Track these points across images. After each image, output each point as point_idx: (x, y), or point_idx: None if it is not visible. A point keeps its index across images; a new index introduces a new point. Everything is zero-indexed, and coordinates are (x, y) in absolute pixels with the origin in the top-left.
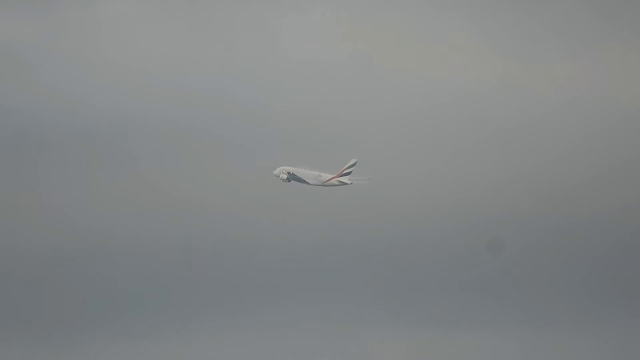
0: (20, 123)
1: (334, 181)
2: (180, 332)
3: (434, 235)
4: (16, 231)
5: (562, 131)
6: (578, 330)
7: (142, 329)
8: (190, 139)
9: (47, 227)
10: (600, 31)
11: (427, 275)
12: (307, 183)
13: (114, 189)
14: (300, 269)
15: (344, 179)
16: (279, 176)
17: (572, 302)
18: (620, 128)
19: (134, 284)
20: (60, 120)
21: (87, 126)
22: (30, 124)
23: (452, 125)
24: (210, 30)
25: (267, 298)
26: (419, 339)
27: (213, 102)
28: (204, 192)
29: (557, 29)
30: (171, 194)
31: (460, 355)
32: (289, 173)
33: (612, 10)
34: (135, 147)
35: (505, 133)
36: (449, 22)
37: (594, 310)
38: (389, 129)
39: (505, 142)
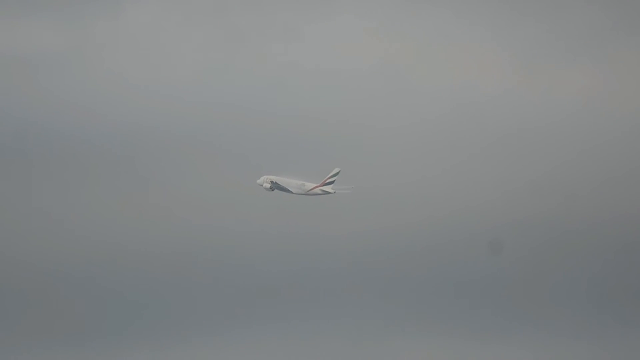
0: (46, 132)
1: (317, 190)
2: (177, 339)
3: (439, 241)
4: (22, 240)
5: (577, 136)
6: (586, 337)
7: (136, 337)
8: (207, 148)
9: (64, 240)
10: (615, 38)
11: (427, 282)
12: (291, 192)
13: (137, 200)
14: (297, 277)
15: (327, 188)
16: (262, 185)
17: (580, 309)
18: (634, 134)
19: (128, 292)
20: (87, 130)
21: (108, 136)
22: (57, 133)
23: (467, 131)
24: (236, 39)
25: (266, 306)
26: (418, 346)
27: (232, 112)
28: (220, 201)
29: (574, 35)
30: (186, 204)
31: None
32: (272, 182)
33: (629, 17)
34: (157, 157)
35: (511, 139)
36: (467, 30)
37: (604, 316)
38: (406, 135)
39: (513, 148)
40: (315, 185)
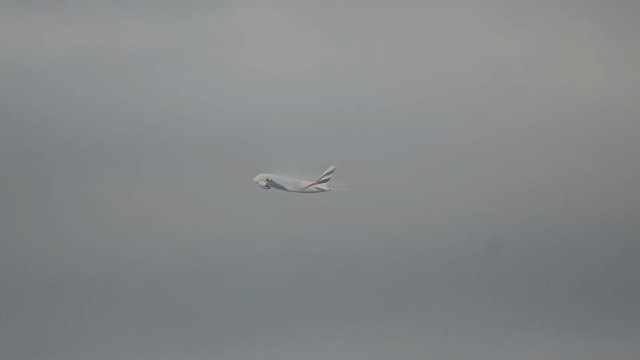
0: (156, 129)
1: (312, 188)
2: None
3: (436, 240)
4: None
5: (577, 135)
6: (587, 337)
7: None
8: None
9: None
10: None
11: (425, 282)
12: (286, 190)
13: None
14: (293, 277)
15: (322, 186)
16: (258, 183)
17: (581, 309)
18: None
19: (125, 293)
20: (195, 127)
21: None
22: (167, 131)
23: (467, 128)
24: (346, 36)
25: (263, 308)
26: (417, 345)
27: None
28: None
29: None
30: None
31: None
32: (267, 180)
33: None
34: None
35: (512, 137)
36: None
37: (605, 316)
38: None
39: (515, 145)
40: (310, 183)
